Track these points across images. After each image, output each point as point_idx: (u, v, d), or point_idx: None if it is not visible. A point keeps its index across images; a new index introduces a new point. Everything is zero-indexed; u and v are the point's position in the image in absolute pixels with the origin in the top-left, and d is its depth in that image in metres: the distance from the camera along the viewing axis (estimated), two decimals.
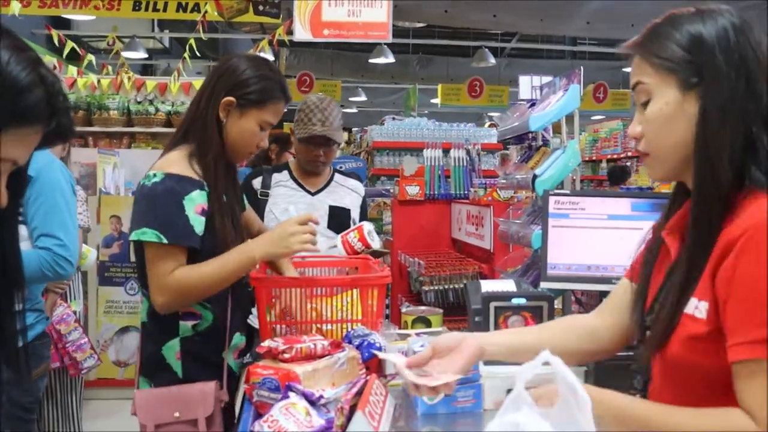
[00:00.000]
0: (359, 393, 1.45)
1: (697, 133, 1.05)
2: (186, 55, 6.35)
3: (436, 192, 4.16)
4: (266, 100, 1.89)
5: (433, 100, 13.53)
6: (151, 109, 5.82)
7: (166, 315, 1.83)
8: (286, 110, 2.01)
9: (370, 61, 10.98)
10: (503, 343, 1.32)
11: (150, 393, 1.81)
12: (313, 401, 1.33)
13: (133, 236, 1.78)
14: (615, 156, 9.57)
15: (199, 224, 1.79)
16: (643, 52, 1.12)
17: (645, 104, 1.12)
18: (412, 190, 4.08)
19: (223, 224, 1.84)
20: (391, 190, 4.67)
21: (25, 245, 2.15)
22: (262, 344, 1.61)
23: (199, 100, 1.92)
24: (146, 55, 10.98)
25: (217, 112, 1.87)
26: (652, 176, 1.16)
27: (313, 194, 2.82)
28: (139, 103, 5.87)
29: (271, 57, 8.10)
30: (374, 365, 1.70)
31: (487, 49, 11.28)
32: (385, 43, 9.32)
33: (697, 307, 1.01)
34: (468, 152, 4.25)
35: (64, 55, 6.17)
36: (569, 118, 2.63)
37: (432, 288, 3.40)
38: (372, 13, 5.30)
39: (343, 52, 12.95)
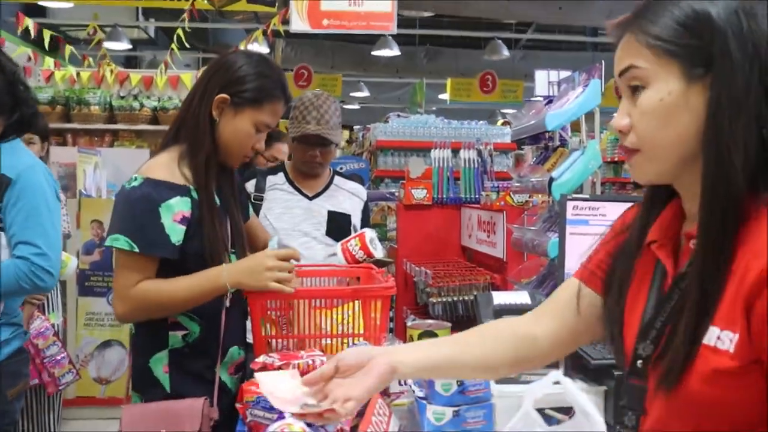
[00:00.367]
0: (360, 414, 1.46)
1: (708, 129, 0.98)
2: (173, 46, 6.39)
3: (444, 196, 4.16)
4: (263, 100, 1.91)
5: (442, 96, 13.58)
6: (136, 104, 5.85)
7: (155, 325, 1.86)
8: None
9: (374, 53, 11.02)
10: (418, 361, 1.24)
11: (136, 408, 1.84)
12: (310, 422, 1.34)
13: (107, 241, 1.82)
14: None
15: (176, 234, 1.81)
16: (638, 32, 1.03)
17: (635, 93, 1.05)
18: (419, 194, 4.09)
19: (213, 231, 1.86)
20: (396, 194, 4.68)
21: (5, 254, 2.16)
22: (256, 360, 1.63)
23: (192, 97, 1.94)
24: (130, 46, 11.02)
25: (209, 110, 1.89)
26: (641, 178, 1.08)
27: (310, 198, 2.84)
28: (123, 98, 5.90)
29: (265, 49, 8.13)
30: None
31: (500, 41, 11.32)
32: (389, 35, 9.35)
33: (719, 338, 0.95)
34: (479, 153, 4.25)
35: (40, 46, 6.20)
36: (589, 115, 2.64)
37: (440, 300, 3.41)
38: (375, 2, 5.32)
39: (344, 43, 12.99)
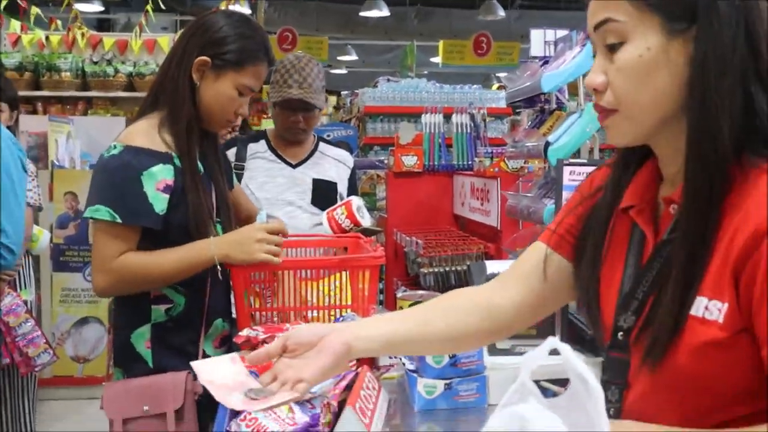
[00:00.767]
0: (349, 387, 1.47)
1: (693, 88, 0.96)
2: (149, 7, 6.31)
3: (436, 163, 4.16)
4: (245, 61, 1.90)
5: (434, 59, 13.48)
6: (110, 70, 5.80)
7: (137, 299, 1.87)
8: None
9: (361, 14, 10.96)
10: (377, 338, 1.23)
11: (118, 385, 1.85)
12: None
13: (86, 213, 1.82)
14: None
15: (159, 202, 1.81)
16: None
17: (612, 49, 1.01)
18: (409, 161, 4.09)
19: (198, 199, 1.86)
20: (386, 161, 4.67)
21: None
22: (240, 333, 1.64)
23: (170, 60, 1.93)
24: (102, 8, 10.91)
25: (189, 74, 1.88)
26: (619, 140, 1.05)
27: (294, 166, 2.83)
28: (96, 63, 5.85)
29: (247, 10, 8.05)
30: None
31: (495, 0, 11.24)
32: None
33: (707, 308, 0.94)
34: (472, 117, 4.25)
35: (2, 7, 6.09)
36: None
37: (431, 270, 3.43)
38: None
39: (330, 4, 12.89)
